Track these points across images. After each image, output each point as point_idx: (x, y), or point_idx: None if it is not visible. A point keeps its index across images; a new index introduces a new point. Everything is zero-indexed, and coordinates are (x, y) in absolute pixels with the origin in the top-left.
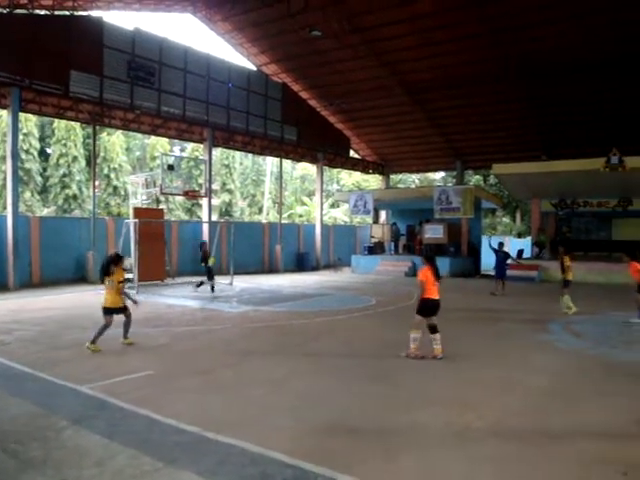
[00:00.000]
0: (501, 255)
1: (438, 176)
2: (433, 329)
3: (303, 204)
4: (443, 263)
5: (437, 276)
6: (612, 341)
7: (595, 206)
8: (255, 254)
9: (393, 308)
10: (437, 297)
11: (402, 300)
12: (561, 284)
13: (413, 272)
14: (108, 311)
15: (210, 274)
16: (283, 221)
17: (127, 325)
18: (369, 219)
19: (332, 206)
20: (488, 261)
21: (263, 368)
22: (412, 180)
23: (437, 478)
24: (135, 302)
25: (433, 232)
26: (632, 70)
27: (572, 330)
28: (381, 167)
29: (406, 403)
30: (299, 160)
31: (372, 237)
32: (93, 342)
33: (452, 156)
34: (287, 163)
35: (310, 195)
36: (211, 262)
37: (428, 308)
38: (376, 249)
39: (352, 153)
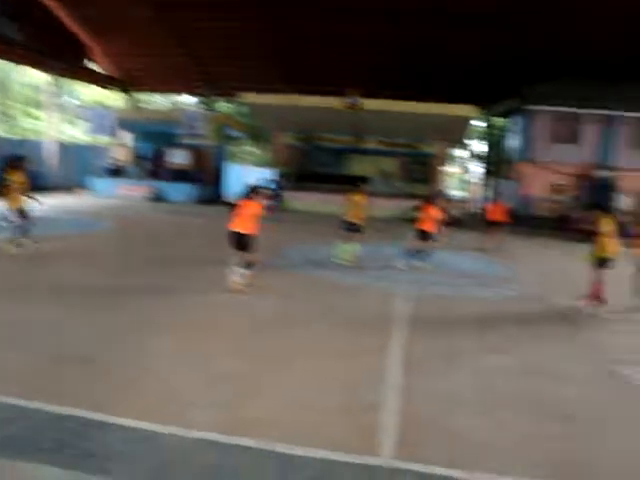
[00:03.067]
0: (278, 187)
1: (187, 100)
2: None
3: (34, 118)
4: (188, 190)
5: None
6: (334, 266)
7: (334, 142)
8: None
9: (130, 233)
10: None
11: (140, 225)
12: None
13: (157, 197)
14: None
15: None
16: (9, 136)
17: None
18: (111, 139)
19: (70, 122)
20: (232, 189)
21: None
22: (158, 101)
23: (175, 398)
24: None
25: (178, 157)
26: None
27: (304, 255)
28: (125, 84)
29: (140, 329)
30: (27, 64)
31: (114, 159)
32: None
33: (202, 80)
34: (13, 68)
35: (43, 108)
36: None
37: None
38: (118, 172)
39: (92, 65)
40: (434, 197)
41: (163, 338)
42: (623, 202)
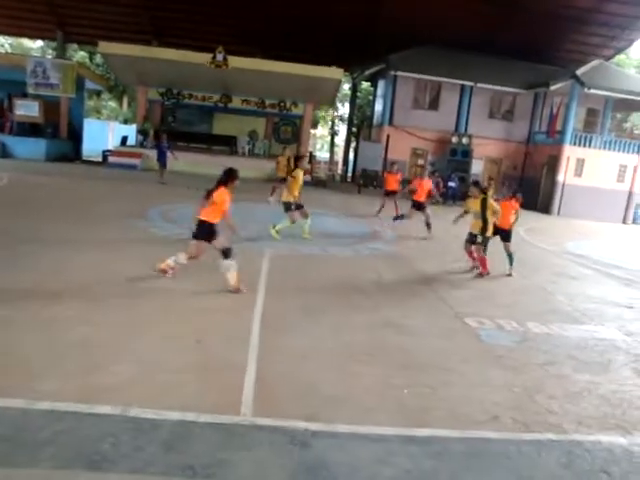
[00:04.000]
0: (165, 147)
1: (36, 45)
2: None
3: None
4: (39, 145)
5: None
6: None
7: (200, 99)
8: None
9: None
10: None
11: None
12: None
13: (2, 153)
14: None
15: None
16: None
17: None
18: None
19: None
20: (90, 146)
21: None
22: (1, 44)
23: (11, 372)
24: None
25: (27, 109)
26: None
27: (168, 217)
28: None
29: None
30: None
31: None
32: None
33: (53, 23)
34: None
35: None
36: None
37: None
38: None
39: None
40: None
41: (17, 306)
42: (476, 167)
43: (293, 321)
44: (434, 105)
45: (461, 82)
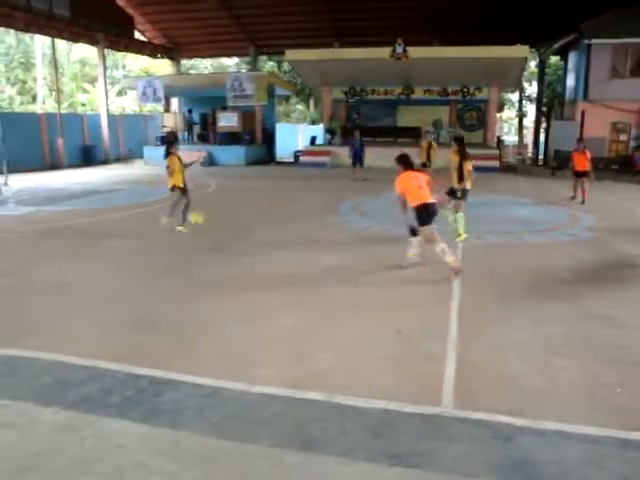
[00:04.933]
0: (357, 143)
1: (232, 62)
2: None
3: (85, 92)
4: (239, 152)
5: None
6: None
7: (382, 94)
8: (32, 149)
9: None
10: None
11: (197, 190)
12: (455, 193)
13: (209, 162)
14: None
15: None
16: (63, 111)
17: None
18: (160, 107)
19: (119, 94)
20: (282, 148)
21: (50, 273)
22: (205, 66)
23: (230, 358)
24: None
25: (227, 120)
26: None
27: (359, 211)
28: (171, 51)
29: (199, 289)
30: (75, 41)
31: (164, 126)
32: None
33: (246, 41)
34: (62, 44)
35: (93, 82)
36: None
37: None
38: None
39: (138, 35)
40: None
41: (231, 297)
42: None
43: (490, 312)
44: (637, 71)
45: None
